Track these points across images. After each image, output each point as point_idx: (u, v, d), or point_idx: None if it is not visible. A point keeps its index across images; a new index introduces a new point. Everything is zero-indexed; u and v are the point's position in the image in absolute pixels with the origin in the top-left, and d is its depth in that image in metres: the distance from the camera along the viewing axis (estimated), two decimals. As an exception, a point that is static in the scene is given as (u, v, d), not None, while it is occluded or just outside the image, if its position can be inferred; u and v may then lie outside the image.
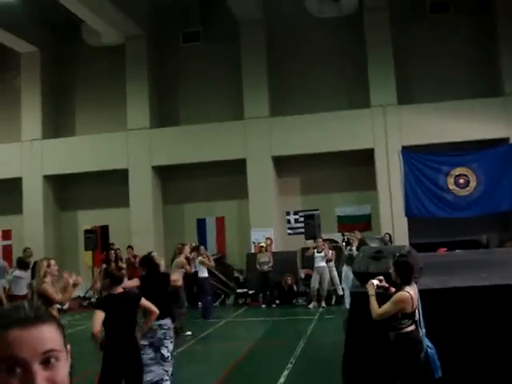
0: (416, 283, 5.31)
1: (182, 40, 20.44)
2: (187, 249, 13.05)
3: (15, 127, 20.98)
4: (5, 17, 18.17)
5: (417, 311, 5.14)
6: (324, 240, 15.97)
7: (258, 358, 10.22)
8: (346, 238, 15.51)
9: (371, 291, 5.24)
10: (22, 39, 19.85)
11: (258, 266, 16.20)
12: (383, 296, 5.22)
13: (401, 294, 5.06)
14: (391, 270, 5.30)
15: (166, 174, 20.18)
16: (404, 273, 5.15)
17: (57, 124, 21.34)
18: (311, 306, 15.40)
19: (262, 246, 16.52)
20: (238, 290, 17.17)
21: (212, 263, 14.77)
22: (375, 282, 5.31)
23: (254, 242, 17.81)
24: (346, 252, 14.53)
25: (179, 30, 20.39)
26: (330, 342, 10.63)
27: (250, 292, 16.93)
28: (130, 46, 19.91)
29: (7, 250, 21.53)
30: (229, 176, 19.39)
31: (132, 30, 19.37)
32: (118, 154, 19.73)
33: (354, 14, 18.65)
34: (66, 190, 21.24)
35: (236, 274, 18.02)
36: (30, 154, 20.51)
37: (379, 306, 5.13)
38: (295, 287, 16.64)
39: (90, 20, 18.47)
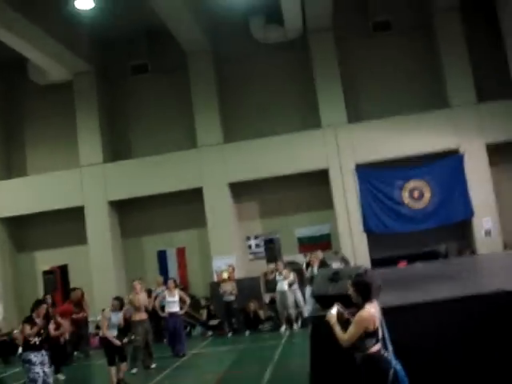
0: (377, 300, 5.32)
1: (131, 72, 20.39)
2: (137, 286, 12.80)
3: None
4: None
5: (380, 329, 5.14)
6: (287, 262, 15.97)
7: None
8: (307, 258, 15.56)
9: (332, 320, 5.23)
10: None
11: (221, 295, 16.09)
12: (346, 322, 5.21)
13: (361, 313, 5.06)
14: (350, 291, 5.31)
15: (123, 208, 19.96)
16: (363, 291, 5.17)
17: (8, 164, 20.97)
18: (282, 329, 15.31)
19: (224, 277, 16.45)
20: (210, 322, 16.91)
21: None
22: (334, 311, 5.31)
23: (216, 271, 17.70)
24: (308, 274, 14.55)
25: (127, 62, 20.34)
26: (298, 366, 10.56)
27: (215, 322, 16.77)
28: (79, 82, 19.76)
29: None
30: (187, 205, 19.30)
31: (79, 66, 19.25)
32: (72, 192, 19.46)
33: (300, 37, 18.93)
34: (22, 230, 20.79)
35: (203, 303, 17.82)
36: (-18, 198, 20.06)
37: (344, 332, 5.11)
38: (261, 313, 16.55)
39: (35, 58, 18.27)
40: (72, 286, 18.96)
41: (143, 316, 12.47)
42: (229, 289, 16.11)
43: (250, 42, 19.28)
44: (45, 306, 9.51)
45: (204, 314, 17.32)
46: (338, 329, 5.17)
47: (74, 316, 15.38)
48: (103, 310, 11.78)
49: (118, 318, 11.07)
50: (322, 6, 17.17)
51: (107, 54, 20.27)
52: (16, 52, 17.56)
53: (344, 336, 5.09)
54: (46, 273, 19.04)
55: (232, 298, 16.04)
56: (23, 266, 20.65)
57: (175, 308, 13.68)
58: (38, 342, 8.88)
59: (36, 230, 20.58)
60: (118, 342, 10.69)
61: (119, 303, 11.22)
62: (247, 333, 15.79)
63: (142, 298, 12.63)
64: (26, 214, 20.07)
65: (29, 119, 21.07)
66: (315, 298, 6.80)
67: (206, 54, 19.32)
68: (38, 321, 9.04)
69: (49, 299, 12.59)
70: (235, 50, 19.66)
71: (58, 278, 19.37)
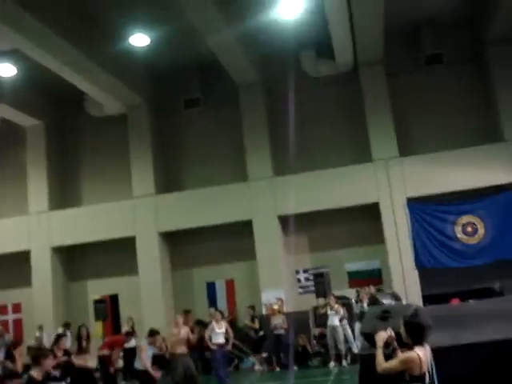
0: (427, 341, 5.17)
1: (183, 106, 20.75)
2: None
3: (22, 200, 21.18)
4: (8, 93, 18.63)
5: (427, 374, 4.98)
6: (335, 297, 15.77)
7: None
8: (358, 294, 15.35)
9: (379, 343, 5.09)
10: (26, 114, 20.27)
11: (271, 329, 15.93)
12: (390, 356, 5.08)
13: (409, 353, 4.91)
14: (402, 331, 5.18)
15: (173, 240, 20.16)
16: (415, 334, 4.99)
17: (63, 195, 21.51)
18: (331, 365, 15.07)
19: (274, 308, 16.29)
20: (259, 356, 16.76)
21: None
22: (385, 333, 5.15)
23: (265, 304, 17.58)
24: (357, 309, 14.33)
25: (180, 96, 20.72)
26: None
27: (264, 355, 16.61)
28: (132, 115, 20.25)
29: (17, 324, 21.41)
30: (236, 238, 19.34)
31: (133, 99, 19.73)
32: (124, 222, 19.79)
33: (351, 70, 18.96)
34: (74, 260, 21.24)
35: (252, 334, 17.62)
36: (38, 226, 20.61)
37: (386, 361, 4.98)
38: (309, 347, 16.34)
39: (91, 92, 18.86)
40: (122, 315, 19.26)
41: (184, 350, 12.41)
42: (279, 322, 15.95)
43: (300, 76, 19.36)
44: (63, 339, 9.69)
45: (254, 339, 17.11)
46: (380, 353, 5.02)
47: (126, 345, 15.38)
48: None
49: (152, 352, 11.10)
50: (372, 39, 17.19)
51: (160, 87, 20.72)
52: (73, 86, 18.15)
53: (384, 364, 4.93)
54: (96, 302, 19.30)
55: (282, 331, 15.87)
56: (75, 294, 21.01)
57: (222, 339, 13.70)
58: (58, 375, 8.98)
59: (88, 259, 20.97)
60: (158, 375, 10.67)
61: (154, 339, 11.22)
62: (295, 368, 15.57)
63: (183, 331, 12.56)
64: (79, 244, 20.51)
65: (84, 150, 21.64)
66: (364, 335, 6.70)
67: (257, 88, 19.54)
68: (59, 353, 9.18)
69: (84, 331, 12.64)
70: (285, 82, 19.73)
71: (109, 307, 19.62)
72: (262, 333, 16.62)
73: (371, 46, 17.66)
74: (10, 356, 12.03)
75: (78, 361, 11.47)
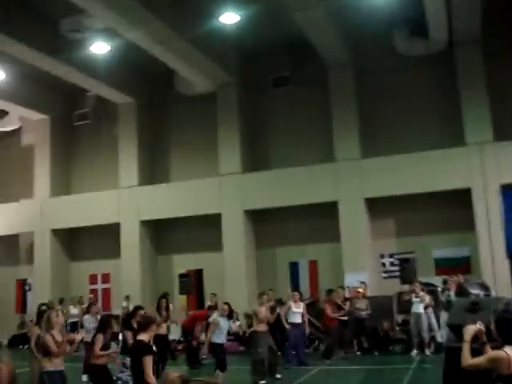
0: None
1: (272, 84, 20.68)
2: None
3: (114, 175, 21.90)
4: (102, 70, 19.16)
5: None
6: (421, 284, 15.36)
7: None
8: (445, 282, 14.90)
9: (467, 336, 4.86)
10: (119, 91, 20.84)
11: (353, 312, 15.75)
12: (477, 351, 4.84)
13: (497, 352, 4.65)
14: (492, 327, 4.91)
15: (258, 218, 20.26)
16: (506, 331, 4.72)
17: (152, 171, 22.06)
18: (413, 353, 14.75)
19: (359, 292, 16.06)
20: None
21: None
22: (475, 327, 4.91)
23: (347, 287, 17.39)
24: (444, 298, 13.90)
25: (269, 75, 20.67)
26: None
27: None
28: (222, 93, 20.38)
29: (106, 293, 22.29)
30: (320, 219, 19.20)
31: (223, 78, 19.84)
32: (211, 199, 20.07)
33: (444, 50, 18.20)
34: (162, 234, 21.79)
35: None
36: (128, 201, 21.27)
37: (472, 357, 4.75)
38: (391, 333, 16.06)
39: (181, 70, 19.12)
40: (206, 290, 19.61)
41: (265, 328, 12.49)
42: (363, 306, 15.76)
43: (391, 55, 18.82)
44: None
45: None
46: (467, 347, 4.79)
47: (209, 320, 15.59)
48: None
49: (227, 323, 11.17)
50: (469, 17, 16.41)
51: (250, 66, 20.71)
52: (164, 64, 18.46)
53: (469, 360, 4.71)
54: (182, 276, 19.76)
55: (365, 315, 15.67)
56: (161, 267, 21.61)
57: (299, 319, 13.78)
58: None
59: (174, 234, 21.46)
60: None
61: (229, 308, 11.36)
62: (376, 353, 15.35)
63: (265, 310, 12.66)
64: (167, 219, 21.02)
65: (173, 128, 22.05)
66: (450, 327, 6.44)
67: (347, 67, 19.15)
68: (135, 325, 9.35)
69: (164, 302, 12.79)
70: (377, 62, 19.30)
71: (193, 282, 20.05)
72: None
73: (468, 25, 16.87)
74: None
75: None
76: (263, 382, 11.71)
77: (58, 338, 7.83)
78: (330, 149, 19.04)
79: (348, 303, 15.83)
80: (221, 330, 11.22)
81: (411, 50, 18.56)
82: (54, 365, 7.68)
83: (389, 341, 15.89)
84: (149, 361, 6.21)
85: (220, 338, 11.19)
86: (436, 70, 18.87)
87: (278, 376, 12.32)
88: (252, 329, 12.63)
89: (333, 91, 19.23)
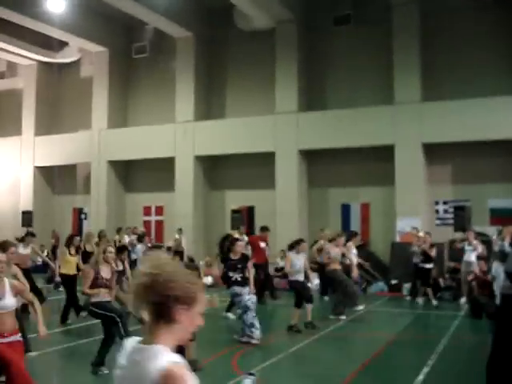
0: None
1: (333, 23, 20.15)
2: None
3: (170, 109, 22.01)
4: (162, 3, 19.00)
5: None
6: (475, 233, 15.13)
7: (398, 351, 9.99)
8: (500, 232, 14.59)
9: None
10: (177, 25, 20.70)
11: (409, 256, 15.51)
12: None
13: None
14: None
15: (311, 158, 20.17)
16: None
17: (208, 106, 22.08)
18: (462, 300, 14.70)
19: (420, 237, 15.65)
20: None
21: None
22: None
23: (399, 231, 17.27)
24: (497, 247, 13.66)
25: (330, 12, 20.13)
26: (475, 342, 10.15)
27: (393, 282, 16.51)
28: (281, 30, 20.02)
29: (159, 225, 22.82)
30: (375, 162, 18.98)
31: (283, 14, 19.45)
32: (265, 137, 20.03)
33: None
34: (215, 170, 21.98)
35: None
36: (183, 135, 21.43)
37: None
38: (441, 281, 15.98)
39: (242, 4, 18.82)
40: (257, 226, 19.79)
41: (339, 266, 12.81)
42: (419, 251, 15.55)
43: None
44: None
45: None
46: None
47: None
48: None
49: (301, 261, 11.20)
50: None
51: (310, 2, 20.21)
52: (225, -2, 18.19)
53: None
54: (234, 211, 20.01)
55: (419, 260, 15.49)
56: (214, 202, 21.88)
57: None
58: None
59: (228, 170, 21.63)
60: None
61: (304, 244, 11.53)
62: (421, 300, 15.20)
63: (338, 250, 12.88)
64: (221, 155, 21.15)
65: (231, 64, 21.88)
66: (507, 274, 6.38)
67: (412, 7, 18.43)
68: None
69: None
70: (442, 3, 18.52)
71: (245, 218, 20.28)
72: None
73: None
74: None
75: None
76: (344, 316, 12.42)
77: (105, 274, 8.17)
78: (390, 91, 18.58)
79: (434, 249, 15.14)
80: (297, 268, 11.17)
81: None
82: (98, 296, 8.16)
83: (438, 288, 15.82)
84: None
85: (297, 277, 11.14)
86: (503, 11, 17.99)
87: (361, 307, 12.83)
88: (329, 268, 12.79)
89: (396, 31, 18.60)
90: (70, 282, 12.22)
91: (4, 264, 5.67)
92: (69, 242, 12.63)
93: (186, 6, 20.65)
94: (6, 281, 5.61)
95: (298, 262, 11.13)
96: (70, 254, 12.39)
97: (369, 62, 19.62)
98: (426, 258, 14.79)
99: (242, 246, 10.85)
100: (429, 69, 18.47)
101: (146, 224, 22.67)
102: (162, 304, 2.14)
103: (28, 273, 11.15)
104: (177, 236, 19.42)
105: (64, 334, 11.09)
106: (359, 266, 15.32)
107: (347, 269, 13.32)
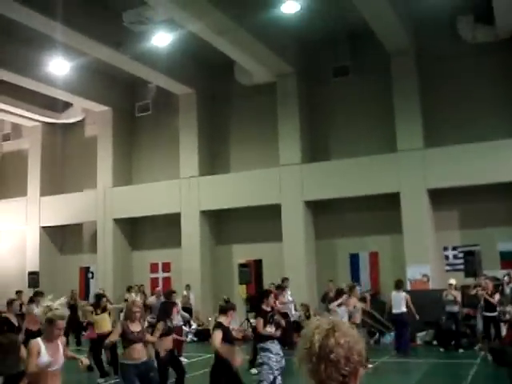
0: None
1: (332, 74, 20.42)
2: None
3: (174, 165, 22.13)
4: (163, 62, 19.35)
5: None
6: (486, 278, 14.93)
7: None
8: (510, 275, 14.47)
9: None
10: (179, 82, 21.03)
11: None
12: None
13: None
14: None
15: (317, 209, 20.13)
16: None
17: (212, 161, 22.19)
18: (477, 347, 14.41)
19: (452, 284, 15.30)
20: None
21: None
22: None
23: (409, 280, 17.10)
24: (508, 290, 13.51)
25: (328, 64, 20.43)
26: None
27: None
28: (281, 84, 20.27)
29: (167, 282, 22.62)
30: (382, 210, 18.92)
31: (282, 68, 19.74)
32: (270, 190, 20.05)
33: (511, 37, 17.56)
34: (222, 224, 21.94)
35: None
36: (188, 191, 21.47)
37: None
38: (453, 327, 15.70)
39: (241, 60, 19.13)
40: (265, 280, 19.62)
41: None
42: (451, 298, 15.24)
43: (455, 42, 18.34)
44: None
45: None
46: None
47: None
48: None
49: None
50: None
51: (310, 55, 20.54)
52: (224, 55, 18.50)
53: None
54: (241, 265, 19.85)
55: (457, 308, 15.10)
56: (221, 257, 21.75)
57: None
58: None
59: (234, 224, 21.57)
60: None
61: None
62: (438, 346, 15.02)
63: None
64: (227, 209, 21.13)
65: (233, 118, 22.10)
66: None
67: (410, 55, 18.68)
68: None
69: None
70: (440, 50, 18.78)
71: (253, 272, 20.09)
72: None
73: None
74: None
75: None
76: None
77: (135, 328, 7.83)
78: (392, 139, 18.67)
79: (497, 296, 14.32)
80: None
81: (476, 37, 18.01)
82: (129, 357, 7.67)
83: (451, 335, 15.53)
84: None
85: None
86: (502, 57, 18.24)
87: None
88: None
89: (394, 80, 18.82)
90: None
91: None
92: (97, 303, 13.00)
93: (187, 63, 21.01)
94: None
95: None
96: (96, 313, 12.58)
97: (370, 111, 19.79)
98: (488, 305, 14.04)
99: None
100: (430, 115, 18.60)
101: (153, 281, 22.50)
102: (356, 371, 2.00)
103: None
104: (185, 292, 19.24)
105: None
106: (371, 316, 15.12)
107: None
